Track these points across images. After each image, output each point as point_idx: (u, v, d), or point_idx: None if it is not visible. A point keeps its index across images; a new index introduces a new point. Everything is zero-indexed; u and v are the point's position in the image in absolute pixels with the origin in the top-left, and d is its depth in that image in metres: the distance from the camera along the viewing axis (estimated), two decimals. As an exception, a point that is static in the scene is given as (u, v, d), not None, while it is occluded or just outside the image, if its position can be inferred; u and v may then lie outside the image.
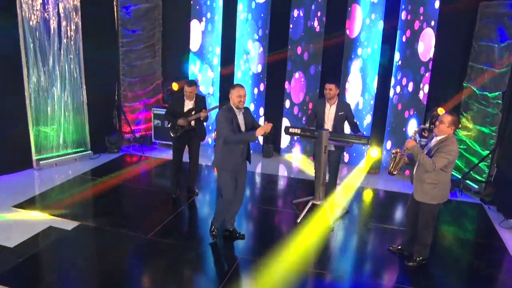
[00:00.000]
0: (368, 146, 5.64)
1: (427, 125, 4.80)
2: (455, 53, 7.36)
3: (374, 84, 7.76)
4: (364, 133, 7.56)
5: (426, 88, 7.50)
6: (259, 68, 8.28)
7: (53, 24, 7.13)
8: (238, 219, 5.52)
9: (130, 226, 5.57)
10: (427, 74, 7.47)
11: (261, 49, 8.19)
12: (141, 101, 8.79)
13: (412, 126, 7.72)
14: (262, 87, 8.36)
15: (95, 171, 7.42)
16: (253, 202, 6.70)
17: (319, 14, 7.85)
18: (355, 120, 6.06)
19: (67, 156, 7.67)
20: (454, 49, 7.34)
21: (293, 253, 5.19)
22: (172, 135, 6.19)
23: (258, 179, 7.64)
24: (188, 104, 6.09)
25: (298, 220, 5.85)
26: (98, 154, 8.07)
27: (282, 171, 8.05)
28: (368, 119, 7.90)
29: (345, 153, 8.27)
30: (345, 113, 5.96)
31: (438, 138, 4.60)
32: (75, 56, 7.51)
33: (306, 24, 7.90)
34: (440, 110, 7.19)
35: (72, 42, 7.43)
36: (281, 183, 7.55)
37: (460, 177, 7.19)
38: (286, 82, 8.20)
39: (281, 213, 6.33)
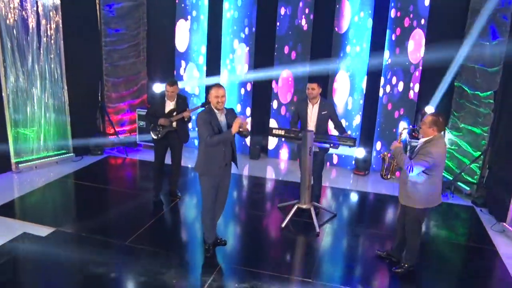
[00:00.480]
0: (355, 147, 5.43)
1: (412, 127, 4.64)
2: (446, 52, 7.15)
3: (363, 83, 7.57)
4: (349, 132, 7.38)
5: (417, 88, 7.31)
6: (246, 68, 8.08)
7: (31, 23, 6.91)
8: (222, 223, 5.32)
9: (107, 231, 5.37)
10: (417, 73, 7.28)
11: (248, 48, 7.99)
12: (126, 102, 8.57)
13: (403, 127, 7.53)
14: (249, 87, 8.16)
15: (76, 174, 7.20)
16: (237, 206, 6.50)
17: (307, 11, 7.65)
18: (340, 121, 5.87)
19: (48, 159, 7.44)
20: (446, 47, 7.14)
21: (276, 260, 5.00)
22: (153, 137, 5.98)
23: (244, 182, 7.45)
24: (170, 105, 5.88)
25: (283, 225, 5.64)
26: (80, 156, 7.84)
27: (269, 173, 7.84)
28: (357, 120, 7.71)
29: (334, 154, 8.08)
30: (328, 112, 5.77)
31: (423, 140, 4.45)
32: (55, 56, 7.29)
33: (293, 22, 7.70)
34: (429, 109, 7.02)
35: (52, 41, 7.21)
36: (268, 186, 7.35)
37: (451, 178, 7.00)
38: (273, 82, 7.99)
39: (266, 217, 6.13)
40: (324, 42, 7.69)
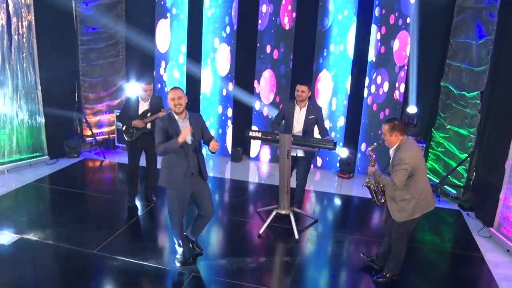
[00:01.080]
0: (335, 151, 5.21)
1: (377, 143, 4.43)
2: (432, 50, 6.96)
3: (347, 83, 7.34)
4: (333, 134, 7.17)
5: (402, 88, 7.09)
6: (227, 67, 7.83)
7: (1, 21, 6.62)
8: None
9: (76, 239, 5.08)
10: (403, 73, 7.07)
11: (229, 47, 7.74)
12: (104, 103, 8.29)
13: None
14: (230, 87, 7.91)
15: (50, 177, 6.92)
16: (215, 211, 6.24)
17: (289, 8, 7.41)
18: (324, 124, 5.62)
19: (21, 162, 7.15)
20: (431, 46, 6.94)
21: (251, 269, 4.76)
22: (127, 139, 5.72)
23: (224, 185, 7.19)
24: (144, 105, 5.62)
25: (260, 232, 5.40)
26: (55, 159, 7.56)
27: (251, 176, 7.59)
28: (341, 121, 7.48)
29: (318, 157, 7.85)
30: (316, 117, 5.54)
31: (392, 150, 4.25)
32: (28, 55, 6.99)
33: (275, 20, 7.46)
34: (411, 109, 6.82)
35: (24, 40, 6.92)
36: (249, 190, 7.08)
37: (437, 181, 6.79)
38: (255, 81, 7.75)
39: (244, 223, 5.87)
40: (307, 40, 7.46)
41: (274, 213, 5.53)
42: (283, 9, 7.40)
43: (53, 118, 7.43)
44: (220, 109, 8.05)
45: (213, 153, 4.31)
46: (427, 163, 7.30)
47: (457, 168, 6.53)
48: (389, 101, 7.19)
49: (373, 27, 7.08)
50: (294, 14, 7.48)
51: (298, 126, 5.55)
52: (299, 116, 5.53)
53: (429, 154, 7.25)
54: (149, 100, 5.60)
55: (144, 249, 4.98)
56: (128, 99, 5.71)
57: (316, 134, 5.65)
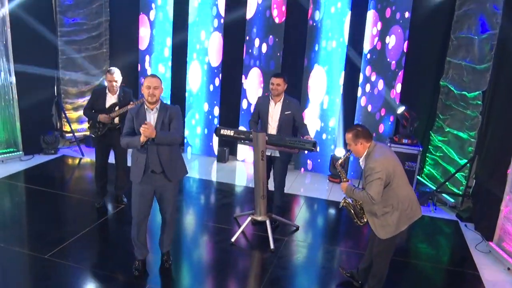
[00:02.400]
0: (316, 151, 4.71)
1: (344, 156, 3.95)
2: (431, 47, 6.43)
3: (340, 81, 6.84)
4: (324, 136, 6.67)
5: (399, 87, 6.58)
6: (213, 61, 7.38)
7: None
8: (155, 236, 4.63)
9: (29, 242, 4.69)
10: (400, 72, 6.55)
11: (217, 39, 7.29)
12: (85, 97, 7.89)
13: (384, 130, 6.79)
14: (217, 82, 7.45)
15: (19, 174, 6.53)
16: (188, 215, 5.79)
17: (279, 0, 6.95)
18: (304, 122, 5.15)
19: (-8, 157, 6.81)
20: (430, 42, 6.42)
21: (216, 281, 4.29)
22: (92, 135, 5.31)
23: (205, 188, 6.73)
24: (111, 98, 5.19)
25: (233, 240, 4.93)
26: (31, 155, 7.18)
27: (236, 179, 7.12)
28: (334, 121, 6.98)
29: (308, 160, 7.35)
30: (292, 112, 5.06)
31: (362, 160, 3.77)
32: (1, 45, 6.62)
33: (264, 13, 7.00)
34: (401, 109, 6.29)
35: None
36: (231, 193, 6.58)
37: (434, 188, 6.25)
38: (243, 77, 7.28)
39: (219, 229, 5.38)
40: (298, 34, 6.98)
41: (249, 219, 5.07)
42: (273, 1, 6.94)
43: (28, 112, 7.05)
44: (206, 107, 7.60)
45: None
46: (424, 169, 6.77)
47: (456, 175, 6.00)
48: (385, 101, 6.68)
49: (368, 22, 6.57)
50: (284, 7, 7.00)
51: (273, 123, 5.08)
52: (274, 112, 5.07)
53: (427, 159, 6.72)
54: (118, 93, 5.17)
55: (101, 256, 4.55)
56: (94, 91, 5.29)
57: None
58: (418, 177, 6.60)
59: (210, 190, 6.68)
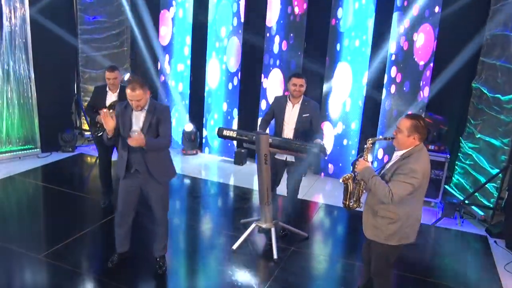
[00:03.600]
0: (324, 157, 4.36)
1: (384, 137, 3.44)
2: (462, 45, 5.90)
3: (363, 81, 6.43)
4: (345, 142, 6.27)
5: (426, 90, 6.09)
6: (232, 61, 7.15)
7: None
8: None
9: (28, 241, 4.59)
10: (428, 72, 6.07)
11: (236, 39, 7.06)
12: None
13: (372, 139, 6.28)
14: (236, 81, 7.21)
15: (33, 171, 6.52)
16: (195, 219, 5.57)
17: (300, -3, 6.64)
18: (320, 126, 4.78)
19: (10, 154, 6.84)
20: (462, 40, 5.89)
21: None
22: (93, 134, 5.19)
23: (218, 191, 6.49)
24: (112, 97, 5.05)
25: (234, 247, 4.65)
26: (49, 152, 7.20)
27: (253, 182, 6.80)
28: (355, 124, 6.57)
29: (329, 165, 6.96)
30: (310, 115, 4.72)
31: (400, 153, 3.28)
32: (21, 43, 6.66)
33: (286, 9, 6.69)
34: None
35: (17, 27, 6.58)
36: (244, 197, 6.26)
37: (462, 199, 5.73)
38: (262, 76, 7.00)
39: (224, 235, 5.12)
40: (320, 33, 6.63)
41: (253, 225, 4.78)
42: (294, -2, 6.64)
43: (47, 110, 7.08)
44: (225, 106, 7.38)
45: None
46: (453, 178, 6.24)
47: (487, 185, 5.46)
48: (411, 104, 6.20)
49: (394, 19, 6.13)
50: (305, 5, 6.68)
51: (289, 125, 4.75)
52: (291, 114, 4.74)
53: (456, 167, 6.19)
54: (118, 91, 5.03)
55: (94, 259, 4.38)
56: (95, 88, 5.18)
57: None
58: (445, 186, 6.10)
59: (222, 193, 6.45)
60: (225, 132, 4.52)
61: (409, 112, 3.31)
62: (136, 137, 3.62)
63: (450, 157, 5.88)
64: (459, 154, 6.15)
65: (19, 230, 4.86)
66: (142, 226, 4.73)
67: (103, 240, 4.85)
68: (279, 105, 4.82)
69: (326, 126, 6.77)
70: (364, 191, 3.50)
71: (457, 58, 5.91)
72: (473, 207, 5.70)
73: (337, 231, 5.56)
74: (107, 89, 5.03)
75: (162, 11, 7.58)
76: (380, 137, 3.44)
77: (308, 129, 4.74)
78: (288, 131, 4.73)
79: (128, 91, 3.63)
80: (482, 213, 5.61)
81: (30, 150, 7.06)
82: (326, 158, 4.44)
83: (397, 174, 3.16)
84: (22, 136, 6.99)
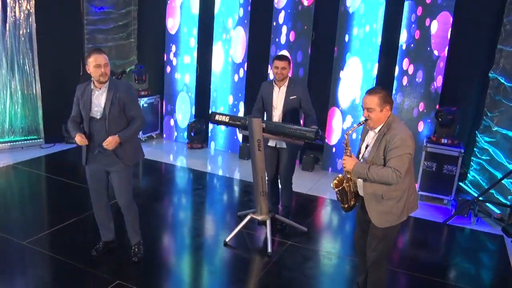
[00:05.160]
0: (321, 142, 4.09)
1: (358, 124, 3.18)
2: (479, 33, 5.54)
3: (373, 73, 6.11)
4: (354, 136, 5.94)
5: (440, 80, 5.74)
6: (239, 52, 6.93)
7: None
8: (157, 231, 4.32)
9: (12, 227, 4.48)
10: (442, 63, 5.71)
11: (242, 30, 6.85)
12: (111, 88, 7.75)
13: (423, 128, 5.95)
14: (242, 73, 6.99)
15: (34, 161, 6.43)
16: (191, 212, 5.36)
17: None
18: (312, 109, 4.51)
19: (12, 143, 6.78)
20: (478, 27, 5.53)
21: (192, 283, 3.81)
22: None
23: (221, 185, 6.28)
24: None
25: (227, 240, 4.41)
26: (52, 143, 7.11)
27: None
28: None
29: (338, 160, 6.65)
30: (298, 97, 4.48)
31: (376, 130, 3.06)
32: (26, 32, 6.60)
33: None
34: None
35: (22, 17, 6.52)
36: (246, 190, 6.01)
37: (476, 195, 5.34)
38: (269, 67, 6.75)
39: (219, 228, 4.90)
40: (328, 21, 6.36)
41: (248, 217, 4.52)
42: (302, -15, 6.39)
43: (52, 101, 6.98)
44: (231, 99, 7.16)
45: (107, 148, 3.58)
46: (468, 174, 5.86)
47: (503, 181, 5.07)
48: (424, 95, 5.86)
49: (406, 7, 5.82)
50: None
51: (277, 110, 4.53)
52: (278, 98, 4.51)
53: (471, 163, 5.79)
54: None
55: (79, 247, 4.20)
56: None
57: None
58: (460, 183, 5.71)
59: (225, 187, 6.22)
60: (217, 117, 4.30)
61: (372, 90, 3.05)
62: (109, 140, 3.52)
63: (464, 152, 5.50)
64: (474, 149, 5.75)
65: (8, 217, 4.73)
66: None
67: (92, 229, 4.66)
68: (266, 90, 4.62)
69: (336, 117, 6.48)
70: (354, 184, 3.24)
71: (473, 46, 5.57)
72: (488, 204, 5.31)
73: (339, 226, 5.25)
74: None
75: (168, 4, 7.43)
76: (355, 125, 3.19)
77: (297, 112, 4.55)
78: (277, 116, 4.51)
79: (94, 55, 3.50)
80: (498, 211, 5.22)
81: (33, 141, 6.99)
82: (323, 143, 4.15)
83: (390, 150, 2.96)
84: (26, 126, 6.92)
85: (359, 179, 3.17)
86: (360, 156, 3.19)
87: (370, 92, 3.05)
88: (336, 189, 3.17)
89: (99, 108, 3.57)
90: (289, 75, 4.57)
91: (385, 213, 3.09)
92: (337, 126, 6.49)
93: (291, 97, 4.43)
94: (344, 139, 3.15)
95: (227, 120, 4.24)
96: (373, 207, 3.12)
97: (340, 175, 3.19)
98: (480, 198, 5.21)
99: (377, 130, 3.04)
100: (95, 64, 3.48)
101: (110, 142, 3.52)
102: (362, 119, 3.10)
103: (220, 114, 4.31)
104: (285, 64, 4.42)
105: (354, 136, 5.66)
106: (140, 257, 3.96)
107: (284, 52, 6.52)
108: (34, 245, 4.13)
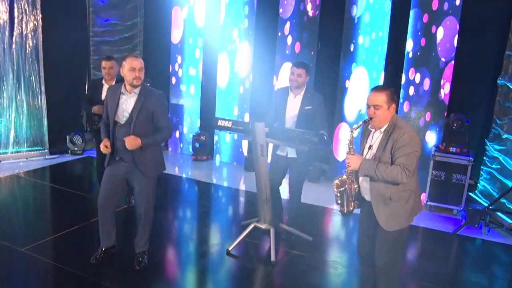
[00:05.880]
0: (326, 147, 3.99)
1: (362, 122, 3.07)
2: (486, 39, 5.46)
3: (379, 82, 6.04)
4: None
5: (448, 87, 5.65)
6: (244, 63, 6.90)
7: (3, 6, 6.33)
8: (164, 238, 4.25)
9: (13, 234, 4.42)
10: (449, 71, 5.63)
11: (247, 42, 6.83)
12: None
13: (431, 138, 5.82)
14: (247, 84, 6.95)
15: (38, 171, 6.39)
16: (195, 221, 5.27)
17: (313, -5, 6.38)
18: (325, 122, 4.37)
19: (17, 154, 6.76)
20: (486, 33, 5.45)
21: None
22: (88, 128, 5.02)
23: (224, 195, 6.18)
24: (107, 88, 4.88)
25: (230, 248, 4.29)
26: (57, 155, 7.08)
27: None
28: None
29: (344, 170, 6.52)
30: (313, 108, 4.38)
31: (382, 130, 2.97)
32: (32, 44, 6.64)
33: (298, 7, 6.44)
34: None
35: (29, 28, 6.56)
36: (254, 201, 5.91)
37: (486, 205, 5.18)
38: (274, 78, 6.72)
39: (222, 237, 4.80)
40: (334, 30, 6.33)
41: (251, 226, 4.40)
42: (307, -5, 6.38)
43: (57, 112, 7.00)
44: (236, 111, 7.11)
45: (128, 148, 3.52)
46: (478, 184, 5.71)
47: (514, 190, 4.93)
48: (431, 104, 5.76)
49: (412, 14, 5.77)
50: (318, 0, 6.42)
51: (290, 118, 4.42)
52: (293, 106, 4.41)
53: (481, 172, 5.65)
54: (114, 82, 4.84)
55: (79, 254, 4.09)
56: (91, 82, 5.04)
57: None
58: (470, 193, 5.57)
59: (230, 198, 6.12)
60: (220, 122, 4.23)
61: (379, 88, 2.98)
62: (131, 138, 3.47)
63: (474, 161, 5.38)
64: (484, 158, 5.62)
65: (7, 224, 4.67)
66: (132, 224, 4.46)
67: (93, 237, 4.57)
68: (281, 96, 4.52)
69: (343, 128, 6.39)
70: (356, 187, 3.13)
71: (480, 52, 5.48)
72: (499, 213, 5.15)
73: (346, 236, 5.11)
74: (103, 81, 4.87)
75: (174, 8, 7.43)
76: (360, 122, 3.08)
77: (311, 123, 4.39)
78: (290, 124, 4.40)
79: (130, 59, 3.52)
80: (510, 221, 5.05)
81: (38, 152, 6.97)
82: (328, 147, 4.04)
83: (398, 149, 2.88)
84: (31, 137, 6.91)
85: (365, 184, 3.07)
86: (365, 155, 3.09)
87: (377, 89, 2.97)
88: (337, 190, 3.06)
89: (125, 113, 3.52)
90: (306, 83, 4.45)
91: (394, 216, 2.99)
92: (344, 136, 6.40)
93: (306, 107, 4.32)
94: (349, 138, 3.04)
95: (230, 125, 4.16)
96: (382, 210, 3.01)
97: (343, 176, 3.08)
98: (491, 207, 5.06)
99: (382, 129, 2.95)
100: (130, 67, 3.46)
101: (130, 141, 3.46)
102: (367, 118, 2.99)
103: (223, 119, 4.24)
104: (301, 71, 4.32)
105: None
106: (143, 267, 3.85)
107: (288, 64, 6.51)
108: (32, 252, 4.05)
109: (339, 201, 3.11)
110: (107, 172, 3.71)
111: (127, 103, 3.54)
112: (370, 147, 3.04)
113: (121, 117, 3.55)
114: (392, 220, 2.99)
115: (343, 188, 3.06)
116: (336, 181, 3.07)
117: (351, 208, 3.10)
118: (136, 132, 3.51)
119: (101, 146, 3.56)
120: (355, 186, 3.10)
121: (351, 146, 3.03)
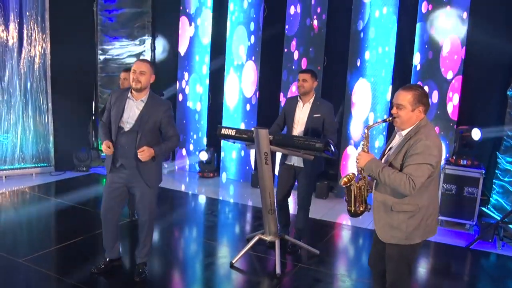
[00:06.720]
0: (331, 155, 3.88)
1: (383, 119, 2.93)
2: (495, 49, 5.39)
3: (387, 96, 5.97)
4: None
5: (456, 99, 5.56)
6: (250, 80, 6.89)
7: (13, 23, 6.42)
8: (163, 253, 4.10)
9: (11, 245, 4.34)
10: (457, 83, 5.56)
11: (253, 57, 6.83)
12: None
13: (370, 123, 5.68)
14: (254, 100, 6.92)
15: (43, 186, 6.35)
16: (200, 234, 5.16)
17: (318, 10, 6.39)
18: (334, 130, 4.30)
19: (23, 170, 6.74)
20: (494, 44, 5.39)
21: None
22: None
23: (231, 210, 6.07)
24: None
25: (233, 261, 4.15)
26: (62, 171, 7.05)
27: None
28: (379, 142, 6.05)
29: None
30: (322, 116, 4.31)
31: (404, 133, 2.76)
32: (40, 62, 6.71)
33: (304, 22, 6.46)
34: (475, 132, 5.15)
35: (37, 46, 6.65)
36: (260, 216, 5.80)
37: (499, 219, 5.00)
38: (281, 94, 6.69)
39: (227, 250, 4.67)
40: (340, 45, 6.32)
41: (256, 238, 4.28)
42: (313, 11, 6.39)
43: (63, 129, 7.00)
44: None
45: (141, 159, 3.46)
46: (491, 198, 5.54)
47: (529, 204, 4.76)
48: (439, 117, 5.67)
49: (418, 28, 5.74)
50: (324, 16, 6.43)
51: (299, 126, 4.36)
52: (301, 114, 4.36)
53: (494, 186, 5.48)
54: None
55: (78, 266, 3.99)
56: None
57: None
58: (482, 208, 5.39)
59: (236, 213, 6.00)
60: (223, 131, 4.16)
61: (409, 86, 2.80)
62: (144, 150, 3.41)
63: (486, 175, 5.23)
64: (496, 171, 5.47)
65: (7, 235, 4.60)
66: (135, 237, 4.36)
67: (94, 249, 4.48)
68: (290, 105, 4.49)
69: (349, 150, 6.30)
70: (369, 189, 2.98)
71: (489, 63, 5.41)
72: (513, 227, 4.97)
73: (354, 250, 4.95)
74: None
75: (181, 26, 7.49)
76: (379, 120, 2.92)
77: (320, 132, 4.31)
78: (298, 133, 4.34)
79: (136, 61, 3.52)
80: (525, 236, 4.86)
81: (44, 168, 6.95)
82: (333, 156, 3.92)
83: (410, 156, 2.64)
84: (36, 153, 6.90)
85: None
86: (383, 160, 2.88)
87: (405, 87, 2.77)
88: (344, 186, 2.93)
89: (129, 120, 3.46)
90: (314, 91, 4.43)
91: (391, 227, 2.78)
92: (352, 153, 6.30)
93: (315, 115, 4.27)
94: (364, 133, 2.88)
95: (233, 133, 4.10)
96: (380, 217, 2.84)
97: (352, 173, 2.95)
98: (505, 220, 4.88)
99: (404, 133, 2.75)
100: (132, 70, 3.44)
101: (145, 153, 3.39)
102: (391, 117, 2.80)
103: (226, 128, 4.18)
104: (306, 76, 4.29)
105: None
106: (143, 278, 3.74)
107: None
108: (32, 263, 3.95)
109: (346, 198, 2.97)
110: (108, 179, 3.65)
111: (133, 110, 3.48)
112: (390, 148, 2.90)
113: (125, 123, 3.49)
114: (389, 230, 2.80)
115: (349, 184, 2.91)
116: (344, 179, 2.92)
117: (359, 210, 2.94)
118: (143, 141, 3.45)
119: (103, 146, 3.49)
120: (365, 185, 2.94)
121: (364, 142, 2.88)
